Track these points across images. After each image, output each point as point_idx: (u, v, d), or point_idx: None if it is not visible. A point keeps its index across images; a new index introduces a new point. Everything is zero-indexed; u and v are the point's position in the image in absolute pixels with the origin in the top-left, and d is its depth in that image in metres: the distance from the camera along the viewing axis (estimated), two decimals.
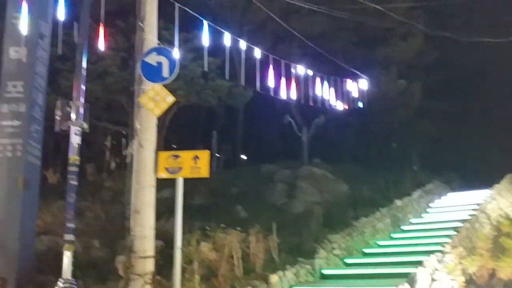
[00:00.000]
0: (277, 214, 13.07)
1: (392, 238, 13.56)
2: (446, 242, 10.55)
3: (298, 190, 15.62)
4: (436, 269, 8.88)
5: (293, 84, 12.46)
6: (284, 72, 12.08)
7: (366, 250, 12.34)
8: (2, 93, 9.24)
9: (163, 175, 7.60)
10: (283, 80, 12.06)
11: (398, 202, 15.31)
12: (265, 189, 16.06)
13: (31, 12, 8.60)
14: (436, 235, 12.33)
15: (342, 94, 15.21)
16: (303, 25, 19.63)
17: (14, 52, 9.27)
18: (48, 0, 9.77)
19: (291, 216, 13.57)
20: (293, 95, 12.62)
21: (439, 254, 9.52)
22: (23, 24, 8.42)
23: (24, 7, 8.43)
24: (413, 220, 15.19)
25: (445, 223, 13.68)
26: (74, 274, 7.21)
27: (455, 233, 11.51)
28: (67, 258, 7.13)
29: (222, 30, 10.23)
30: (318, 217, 12.79)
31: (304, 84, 13.15)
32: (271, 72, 11.56)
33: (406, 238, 13.25)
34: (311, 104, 13.85)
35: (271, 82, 11.65)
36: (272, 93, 11.97)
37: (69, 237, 7.26)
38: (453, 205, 16.30)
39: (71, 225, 7.27)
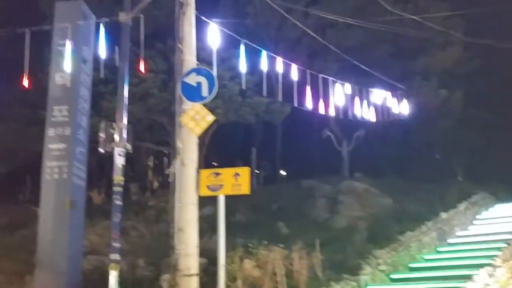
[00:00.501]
0: (319, 230, 12.92)
1: (438, 252, 13.18)
2: (496, 255, 10.16)
3: (340, 205, 15.41)
4: (488, 284, 8.55)
5: (331, 98, 12.40)
6: (321, 86, 12.06)
7: (413, 265, 12.03)
8: (48, 118, 9.60)
9: (205, 192, 7.65)
10: (320, 95, 12.04)
11: (443, 215, 14.88)
12: (306, 204, 15.92)
13: (74, 39, 8.94)
14: (484, 248, 11.90)
15: (381, 106, 15.03)
16: (338, 39, 19.62)
17: (59, 78, 9.64)
18: (90, 26, 10.14)
19: (333, 231, 13.38)
20: (332, 109, 12.55)
21: (489, 268, 9.17)
22: (67, 50, 8.74)
23: (68, 34, 8.76)
24: (460, 233, 14.73)
25: (494, 236, 13.19)
26: None
27: (506, 245, 11.08)
28: (113, 277, 7.25)
29: (258, 48, 10.33)
30: (361, 232, 12.55)
31: (342, 98, 13.06)
32: (308, 87, 11.56)
33: (453, 252, 12.86)
34: (350, 117, 13.74)
35: (308, 97, 11.64)
36: (310, 108, 11.94)
37: (115, 256, 7.38)
38: (502, 217, 15.69)
39: (116, 244, 7.40)
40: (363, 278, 10.23)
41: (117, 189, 7.61)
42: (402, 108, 16.13)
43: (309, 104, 11.85)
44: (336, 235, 12.79)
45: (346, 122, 17.89)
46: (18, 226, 14.56)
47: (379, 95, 14.96)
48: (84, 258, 10.20)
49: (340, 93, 12.87)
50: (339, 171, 21.46)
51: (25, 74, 8.76)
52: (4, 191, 26.87)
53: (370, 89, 14.38)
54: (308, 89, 11.53)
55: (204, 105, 7.67)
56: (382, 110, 15.00)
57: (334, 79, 12.51)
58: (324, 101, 12.12)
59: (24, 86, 9.46)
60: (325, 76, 12.07)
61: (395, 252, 11.94)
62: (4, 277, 10.15)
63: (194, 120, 7.56)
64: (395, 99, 15.50)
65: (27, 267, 9.54)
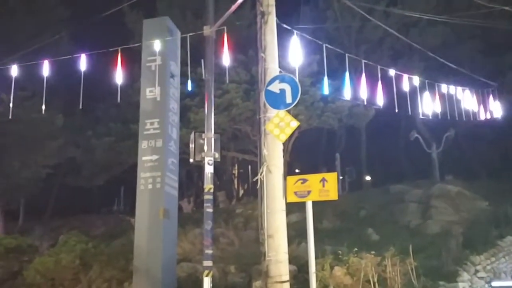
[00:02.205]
0: (411, 236, 12.47)
1: None
2: None
3: (432, 210, 14.76)
4: None
5: (418, 98, 11.95)
6: (407, 87, 11.66)
7: None
8: (141, 131, 10.08)
9: (292, 199, 7.63)
10: (406, 95, 11.63)
11: None
12: (396, 210, 15.43)
13: (162, 55, 9.32)
14: None
15: (472, 105, 14.25)
16: (423, 37, 18.96)
17: (149, 92, 10.10)
18: (176, 42, 10.55)
19: (427, 237, 12.84)
20: (419, 110, 12.09)
21: None
22: (156, 66, 9.13)
23: (156, 50, 9.15)
24: None
25: None
26: None
27: None
28: (207, 283, 7.40)
29: (340, 51, 10.20)
30: (457, 237, 11.91)
31: (430, 98, 12.54)
32: (393, 88, 11.22)
33: None
34: (439, 118, 13.15)
35: (393, 98, 11.29)
36: (395, 110, 11.58)
37: (207, 263, 7.54)
38: None
39: (209, 251, 7.55)
40: (460, 285, 9.72)
41: (207, 197, 7.79)
42: (494, 106, 15.18)
43: (394, 106, 11.49)
44: (429, 241, 12.27)
45: (435, 123, 17.20)
46: (115, 235, 15.41)
47: (469, 93, 14.20)
48: (178, 265, 10.54)
49: (427, 93, 12.37)
50: (429, 174, 20.60)
51: (117, 90, 9.21)
52: (101, 203, 28.65)
53: (459, 87, 13.68)
54: (393, 91, 11.18)
55: (287, 111, 7.69)
56: (472, 109, 14.20)
57: (421, 79, 12.03)
58: (410, 102, 11.69)
59: (116, 102, 9.96)
60: (411, 76, 11.65)
61: (495, 258, 11.21)
62: (105, 283, 10.76)
63: (278, 127, 7.58)
64: (486, 97, 14.61)
65: (125, 274, 10.03)
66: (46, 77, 9.05)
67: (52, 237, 18.46)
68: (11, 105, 9.65)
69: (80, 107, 9.00)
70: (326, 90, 11.21)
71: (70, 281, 10.21)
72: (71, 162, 22.22)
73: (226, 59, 8.68)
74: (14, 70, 9.10)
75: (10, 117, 10.05)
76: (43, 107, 9.13)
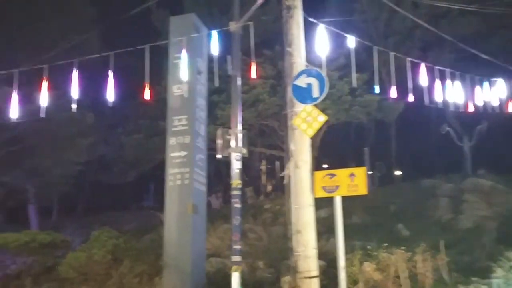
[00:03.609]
0: (442, 231, 12.28)
1: None
2: None
3: (464, 204, 14.48)
4: None
5: (449, 91, 11.69)
6: (437, 79, 11.42)
7: None
8: (169, 128, 10.17)
9: (321, 194, 7.58)
10: (437, 88, 11.39)
11: None
12: (426, 205, 15.20)
13: (189, 52, 9.36)
14: None
15: (505, 97, 13.86)
16: (453, 28, 18.53)
17: (176, 89, 10.17)
18: (202, 38, 10.58)
19: (458, 232, 12.62)
20: (450, 103, 11.83)
21: None
22: (183, 62, 9.18)
23: (183, 47, 9.20)
24: None
25: None
26: None
27: None
28: (235, 278, 7.44)
29: (368, 44, 10.05)
30: (490, 232, 11.68)
31: (461, 90, 12.27)
32: (423, 80, 11.01)
33: None
34: (471, 110, 12.85)
35: (424, 91, 11.08)
36: (426, 103, 11.36)
37: (236, 258, 7.58)
38: None
39: (237, 246, 7.59)
40: (495, 281, 9.46)
41: (235, 192, 7.82)
42: None
43: (424, 99, 11.28)
44: (461, 236, 12.06)
45: (466, 116, 16.84)
46: (145, 231, 15.63)
47: (502, 85, 13.82)
48: (207, 260, 10.61)
49: (458, 85, 12.10)
50: (460, 168, 20.21)
51: (145, 88, 9.29)
52: (131, 199, 29.12)
53: (492, 79, 13.33)
54: (423, 83, 10.97)
55: (315, 106, 7.63)
56: (506, 101, 13.81)
57: (452, 70, 11.77)
58: (441, 94, 11.44)
59: (144, 100, 10.05)
60: (441, 68, 11.40)
61: None
62: (136, 278, 10.90)
63: (306, 121, 7.54)
64: None
65: (155, 269, 10.14)
66: (76, 76, 9.21)
67: (84, 233, 18.85)
68: (43, 104, 9.85)
69: (110, 105, 9.12)
70: (354, 83, 11.10)
71: (102, 276, 10.38)
72: (102, 160, 22.66)
73: (252, 54, 8.67)
74: (45, 70, 9.29)
75: (42, 116, 10.26)
76: (74, 106, 9.26)
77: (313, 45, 8.86)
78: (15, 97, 9.69)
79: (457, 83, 11.96)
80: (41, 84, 9.41)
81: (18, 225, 17.41)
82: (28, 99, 13.08)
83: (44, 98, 9.49)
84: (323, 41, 8.56)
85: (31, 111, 13.03)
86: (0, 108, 12.30)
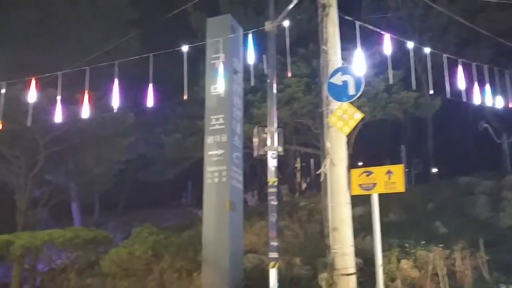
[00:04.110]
0: (481, 229, 12.06)
1: None
2: None
3: (504, 201, 14.19)
4: None
5: (488, 87, 11.49)
6: (475, 75, 11.24)
7: None
8: (206, 127, 10.39)
9: (357, 191, 7.62)
10: (475, 84, 11.21)
11: None
12: (464, 202, 14.96)
13: (225, 52, 9.55)
14: None
15: None
16: (491, 23, 18.11)
17: (213, 89, 10.38)
18: (238, 38, 10.76)
19: (499, 230, 12.41)
20: (488, 100, 11.62)
21: None
22: (220, 63, 9.37)
23: (220, 48, 9.39)
24: None
25: None
26: None
27: None
28: (273, 275, 7.56)
29: (404, 40, 9.99)
30: None
31: (500, 86, 12.03)
32: (460, 77, 10.86)
33: None
34: (510, 107, 12.58)
35: (461, 87, 10.93)
36: (464, 99, 11.19)
37: (273, 255, 7.70)
38: None
39: (274, 243, 7.71)
40: None
41: (271, 190, 7.94)
42: None
43: (462, 95, 11.12)
44: (502, 234, 11.85)
45: (505, 113, 16.45)
46: (184, 228, 15.95)
47: None
48: (244, 257, 10.78)
49: (496, 81, 11.87)
50: (499, 166, 19.76)
51: (183, 88, 9.52)
52: (170, 197, 29.65)
53: None
54: (460, 79, 10.82)
55: (351, 103, 7.66)
56: None
57: (489, 66, 11.56)
58: (479, 90, 11.25)
59: (183, 100, 10.28)
60: (479, 64, 11.22)
61: None
62: (175, 273, 11.18)
63: (342, 119, 7.59)
64: None
65: (194, 265, 10.39)
66: (117, 77, 9.51)
67: (125, 229, 19.37)
68: (85, 105, 10.21)
69: (149, 105, 9.38)
70: (390, 80, 11.04)
71: (142, 271, 10.70)
72: (142, 158, 23.19)
73: (287, 53, 8.76)
74: (87, 72, 9.63)
75: (84, 116, 10.63)
76: (115, 106, 9.56)
77: (349, 42, 8.89)
78: (58, 99, 10.06)
79: (495, 79, 11.75)
80: (83, 86, 9.76)
81: (61, 222, 18.03)
82: (71, 101, 13.57)
83: (86, 100, 9.84)
84: (358, 38, 8.59)
85: (74, 112, 13.53)
86: (45, 110, 12.79)
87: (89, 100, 9.82)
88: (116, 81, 9.54)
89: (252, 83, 10.03)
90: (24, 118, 9.86)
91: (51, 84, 10.96)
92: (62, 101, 10.14)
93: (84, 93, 9.82)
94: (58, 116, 10.10)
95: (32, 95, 9.77)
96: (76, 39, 17.34)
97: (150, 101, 9.36)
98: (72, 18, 17.81)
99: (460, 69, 10.74)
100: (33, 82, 9.85)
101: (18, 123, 11.30)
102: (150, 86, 9.33)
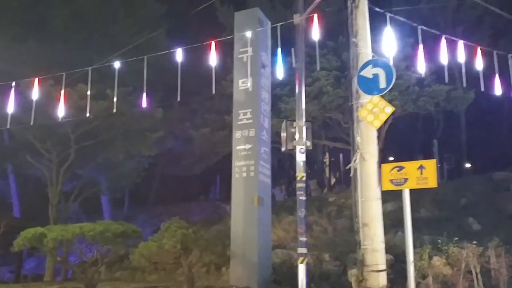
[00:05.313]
0: None
1: None
2: None
3: None
4: None
5: None
6: (510, 67, 10.87)
7: None
8: (235, 121, 10.37)
9: (388, 187, 7.46)
10: (510, 77, 10.85)
11: None
12: (499, 198, 14.54)
13: (253, 46, 9.48)
14: None
15: None
16: None
17: (242, 83, 10.34)
18: (266, 32, 10.67)
19: None
20: None
21: None
22: (248, 57, 9.31)
23: (248, 42, 9.32)
24: None
25: None
26: (308, 286, 7.51)
27: None
28: (302, 270, 7.47)
29: (436, 32, 9.72)
30: None
31: None
32: (495, 68, 10.52)
33: None
34: None
35: (496, 80, 10.59)
36: (497, 92, 10.85)
37: (302, 250, 7.60)
38: None
39: (303, 238, 7.61)
40: None
41: (300, 185, 7.84)
42: None
43: (497, 88, 10.79)
44: None
45: None
46: (212, 222, 16.00)
47: None
48: (273, 252, 10.73)
49: None
50: None
51: (212, 83, 9.49)
52: (198, 191, 29.86)
53: None
54: (495, 71, 10.49)
55: (382, 97, 7.50)
56: None
57: None
58: None
59: (211, 94, 10.27)
60: None
61: None
62: (204, 268, 11.23)
63: (372, 113, 7.43)
64: None
65: (222, 259, 10.40)
66: (146, 72, 9.56)
67: (154, 223, 19.60)
68: (115, 100, 10.31)
69: (178, 100, 9.39)
70: (422, 73, 10.78)
71: (171, 265, 10.78)
72: (171, 153, 23.37)
73: (316, 46, 8.62)
74: (117, 67, 9.70)
75: (114, 111, 10.74)
76: (144, 101, 9.62)
77: (379, 34, 8.70)
78: (88, 94, 10.19)
79: None
80: (113, 81, 9.85)
81: (92, 216, 18.34)
82: (101, 96, 13.74)
83: (115, 94, 9.93)
84: (389, 31, 8.39)
85: (104, 107, 13.71)
86: (76, 104, 12.99)
87: (118, 95, 9.91)
88: (144, 76, 9.59)
89: (280, 77, 9.92)
90: (56, 113, 10.00)
91: (82, 79, 11.11)
92: (92, 96, 10.26)
93: (114, 88, 9.91)
94: (88, 111, 10.24)
95: (62, 90, 9.91)
96: (107, 35, 17.57)
97: (178, 96, 9.37)
98: (103, 15, 18.06)
99: (494, 60, 10.41)
100: (64, 77, 9.99)
101: (49, 118, 11.48)
102: (179, 81, 9.34)
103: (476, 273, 8.02)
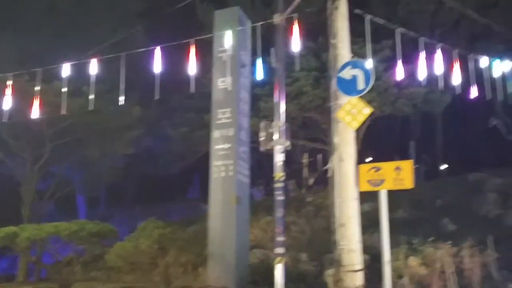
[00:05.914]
0: (490, 227, 11.87)
1: None
2: None
3: None
4: None
5: (499, 82, 11.32)
6: (486, 70, 11.07)
7: None
8: (213, 120, 10.31)
9: (365, 187, 7.51)
10: (485, 80, 11.05)
11: None
12: (473, 200, 14.76)
13: (233, 45, 9.43)
14: None
15: None
16: (504, 18, 17.88)
17: (221, 83, 10.30)
18: (246, 31, 10.63)
19: (508, 229, 12.22)
20: (499, 95, 11.45)
21: None
22: (227, 56, 9.26)
23: (228, 41, 9.27)
24: None
25: None
26: (286, 287, 7.51)
27: None
28: (279, 270, 7.48)
29: (414, 35, 9.83)
30: None
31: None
32: (472, 72, 10.70)
33: None
34: None
35: (472, 82, 10.77)
36: (473, 95, 11.03)
37: (279, 250, 7.61)
38: None
39: (281, 238, 7.62)
40: None
41: (278, 185, 7.84)
42: None
43: (473, 90, 10.97)
44: (511, 233, 11.66)
45: None
46: (190, 222, 15.88)
47: None
48: (250, 252, 10.71)
49: (508, 75, 11.69)
50: (510, 162, 19.49)
51: (190, 81, 9.43)
52: (176, 191, 29.64)
53: None
54: (471, 74, 10.66)
55: (360, 98, 7.54)
56: None
57: (501, 61, 11.38)
58: (489, 86, 11.09)
59: (189, 93, 10.19)
60: (490, 58, 11.03)
61: None
62: (181, 268, 11.13)
63: (350, 114, 7.48)
64: None
65: (200, 259, 10.33)
66: (124, 69, 9.44)
67: (131, 223, 19.36)
68: (91, 97, 10.16)
69: (156, 98, 9.30)
70: (399, 75, 10.88)
71: (148, 265, 10.66)
72: (148, 152, 23.15)
73: (296, 47, 8.63)
74: (93, 64, 9.56)
75: (90, 109, 10.58)
76: (121, 99, 9.50)
77: (359, 36, 8.75)
78: (64, 91, 10.02)
79: (507, 73, 11.56)
80: (89, 78, 9.70)
81: (67, 215, 18.04)
82: (77, 93, 13.52)
83: (92, 92, 9.78)
84: (368, 32, 8.45)
85: (80, 104, 13.49)
86: (51, 101, 12.75)
87: (95, 92, 9.77)
88: (122, 74, 9.46)
89: (260, 77, 9.89)
90: (30, 110, 9.81)
91: (57, 76, 10.91)
92: (68, 93, 10.09)
93: (90, 85, 9.77)
94: (63, 108, 10.07)
95: (38, 87, 9.72)
96: (83, 31, 17.29)
97: (156, 94, 9.27)
98: (82, 11, 17.77)
99: (470, 64, 10.58)
100: (39, 74, 9.80)
101: (23, 115, 11.26)
102: (157, 79, 9.24)
103: (451, 273, 8.14)
